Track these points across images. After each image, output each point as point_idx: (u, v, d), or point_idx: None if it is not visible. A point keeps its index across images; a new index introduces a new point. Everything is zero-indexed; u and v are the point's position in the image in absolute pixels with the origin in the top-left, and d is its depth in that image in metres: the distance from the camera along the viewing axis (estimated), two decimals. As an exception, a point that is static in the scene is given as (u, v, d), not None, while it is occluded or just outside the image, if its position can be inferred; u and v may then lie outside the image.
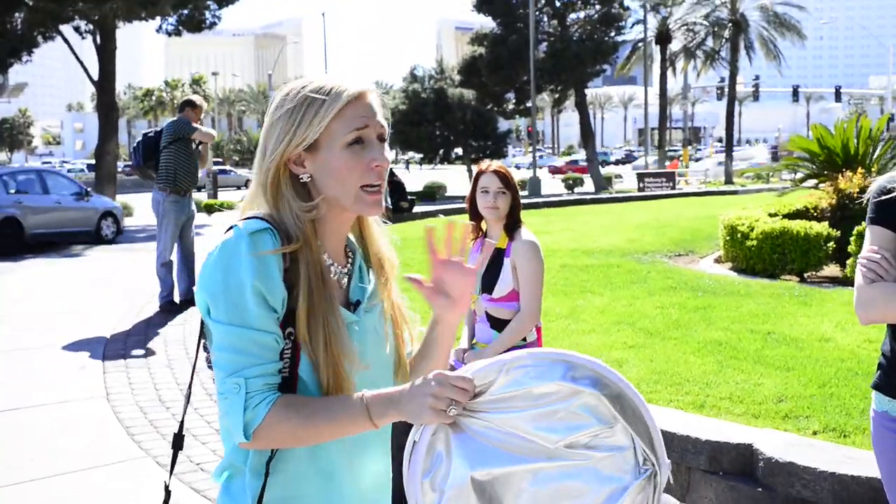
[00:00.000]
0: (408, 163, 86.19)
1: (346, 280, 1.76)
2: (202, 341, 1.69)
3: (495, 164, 4.00)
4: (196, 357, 1.77)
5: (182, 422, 1.80)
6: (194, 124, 9.57)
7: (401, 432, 1.72)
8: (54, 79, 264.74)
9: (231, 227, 1.63)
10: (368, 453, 1.75)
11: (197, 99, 9.83)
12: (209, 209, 25.61)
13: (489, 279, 3.93)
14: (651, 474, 1.58)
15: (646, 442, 1.57)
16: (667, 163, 50.27)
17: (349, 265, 1.78)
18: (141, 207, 23.30)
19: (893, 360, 2.34)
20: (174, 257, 9.68)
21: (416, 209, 22.77)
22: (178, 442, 1.78)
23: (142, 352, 7.83)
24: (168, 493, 1.77)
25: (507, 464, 1.52)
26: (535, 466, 1.53)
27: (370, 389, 1.67)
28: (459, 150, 46.94)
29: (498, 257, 3.94)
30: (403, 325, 1.85)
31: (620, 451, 1.56)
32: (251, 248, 1.57)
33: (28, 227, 17.65)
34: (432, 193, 33.45)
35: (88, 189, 19.76)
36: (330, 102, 1.64)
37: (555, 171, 66.23)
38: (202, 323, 1.66)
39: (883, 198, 2.30)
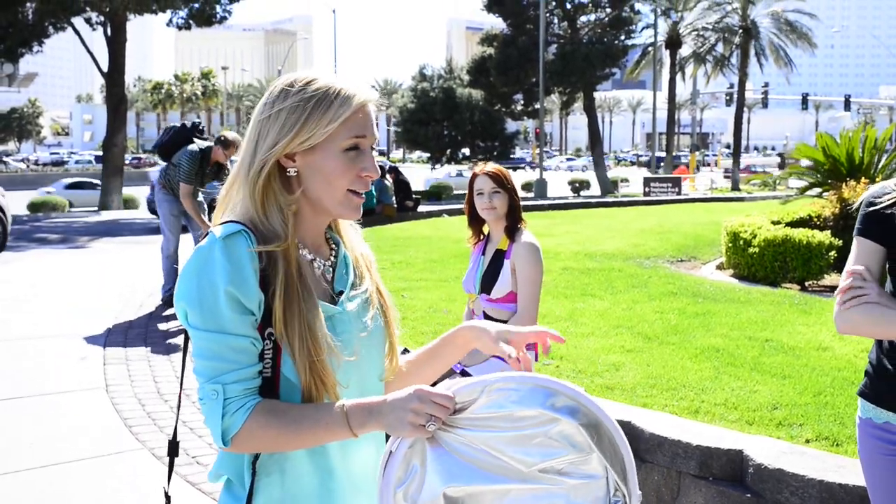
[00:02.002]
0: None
1: (330, 272, 1.77)
2: (188, 350, 1.70)
3: (489, 166, 4.02)
4: (183, 368, 1.79)
5: (175, 429, 1.81)
6: (222, 161, 9.40)
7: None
8: (64, 70, 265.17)
9: (206, 234, 1.64)
10: (362, 448, 1.75)
11: (230, 135, 9.57)
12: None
13: (488, 280, 3.95)
14: None
15: (619, 472, 1.58)
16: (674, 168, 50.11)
17: (332, 257, 1.79)
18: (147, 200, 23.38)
19: (878, 369, 2.38)
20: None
21: (421, 208, 22.83)
22: (173, 449, 1.79)
23: (142, 344, 7.87)
24: (168, 498, 1.78)
25: (480, 482, 1.53)
26: (508, 487, 1.54)
27: (359, 382, 1.70)
28: (467, 150, 46.95)
29: (498, 258, 3.96)
30: (390, 309, 1.86)
31: (593, 479, 1.57)
32: (225, 253, 1.58)
33: None
34: (438, 193, 33.46)
35: None
36: (339, 106, 1.64)
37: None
38: (186, 333, 1.67)
39: (870, 209, 2.32)
